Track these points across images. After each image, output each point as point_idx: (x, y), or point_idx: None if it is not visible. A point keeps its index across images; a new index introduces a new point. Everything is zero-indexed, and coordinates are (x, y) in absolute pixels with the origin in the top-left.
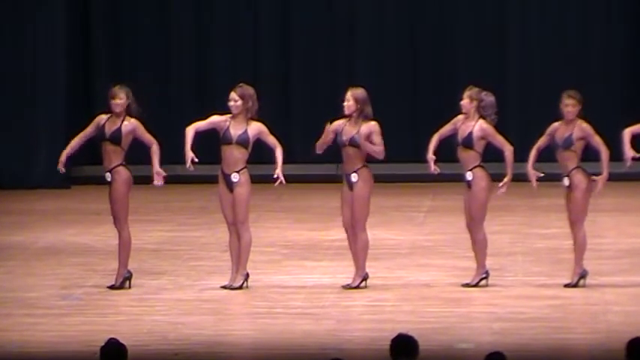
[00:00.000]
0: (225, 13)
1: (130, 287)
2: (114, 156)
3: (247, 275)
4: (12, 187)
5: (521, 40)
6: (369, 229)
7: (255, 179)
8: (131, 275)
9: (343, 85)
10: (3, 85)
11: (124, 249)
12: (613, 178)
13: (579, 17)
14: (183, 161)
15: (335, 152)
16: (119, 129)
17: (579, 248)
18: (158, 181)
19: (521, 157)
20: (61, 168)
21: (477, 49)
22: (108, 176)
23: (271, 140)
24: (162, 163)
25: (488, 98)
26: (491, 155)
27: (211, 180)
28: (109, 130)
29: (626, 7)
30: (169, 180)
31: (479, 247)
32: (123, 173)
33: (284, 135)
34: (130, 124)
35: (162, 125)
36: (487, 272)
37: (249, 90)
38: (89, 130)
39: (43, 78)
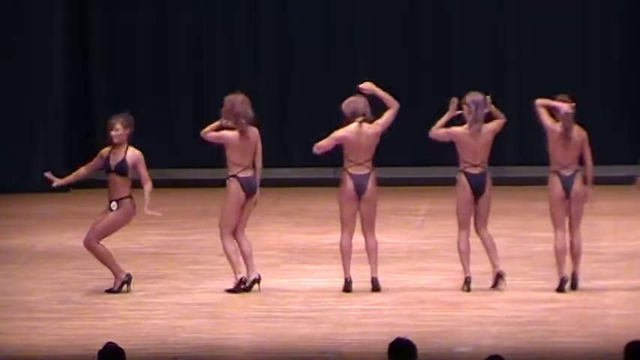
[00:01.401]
0: (223, 17)
1: (128, 291)
2: (120, 187)
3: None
4: (11, 191)
5: (519, 42)
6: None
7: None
8: (130, 279)
9: (341, 88)
10: (2, 88)
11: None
12: (611, 181)
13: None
14: (179, 165)
15: (333, 155)
16: (124, 160)
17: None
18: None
19: (518, 160)
20: (52, 179)
21: (476, 54)
22: (114, 205)
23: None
24: (159, 167)
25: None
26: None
27: (209, 184)
28: (114, 161)
29: (624, 8)
30: (167, 184)
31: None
32: (128, 206)
33: (282, 138)
34: (133, 155)
35: (161, 130)
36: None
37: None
38: (96, 162)
39: (43, 82)
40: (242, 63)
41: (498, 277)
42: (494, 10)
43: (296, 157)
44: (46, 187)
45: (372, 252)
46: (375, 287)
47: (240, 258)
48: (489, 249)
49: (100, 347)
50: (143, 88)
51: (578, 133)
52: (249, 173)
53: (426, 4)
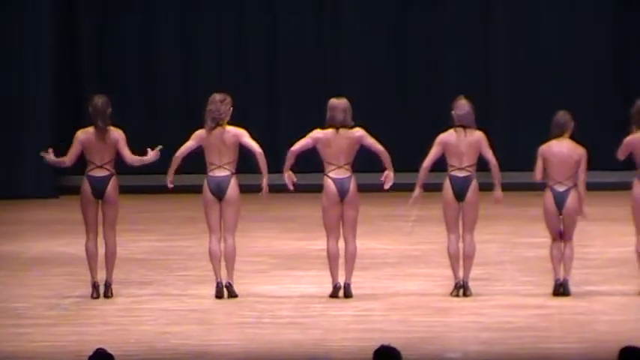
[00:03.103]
0: (213, 21)
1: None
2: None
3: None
4: (0, 197)
5: (510, 48)
6: (357, 238)
7: (243, 189)
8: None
9: (331, 93)
10: None
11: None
12: (600, 187)
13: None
14: (166, 171)
15: (320, 162)
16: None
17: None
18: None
19: (510, 166)
20: (48, 156)
21: (465, 59)
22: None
23: None
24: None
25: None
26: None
27: (198, 190)
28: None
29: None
30: (157, 190)
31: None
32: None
33: (270, 144)
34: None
35: (149, 136)
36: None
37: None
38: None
39: (31, 86)
40: (230, 69)
41: (459, 286)
42: (483, 17)
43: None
44: (36, 194)
45: (349, 258)
46: (347, 294)
47: (223, 262)
48: (466, 257)
49: (90, 353)
50: (132, 96)
51: (575, 150)
52: (220, 173)
53: (416, 9)
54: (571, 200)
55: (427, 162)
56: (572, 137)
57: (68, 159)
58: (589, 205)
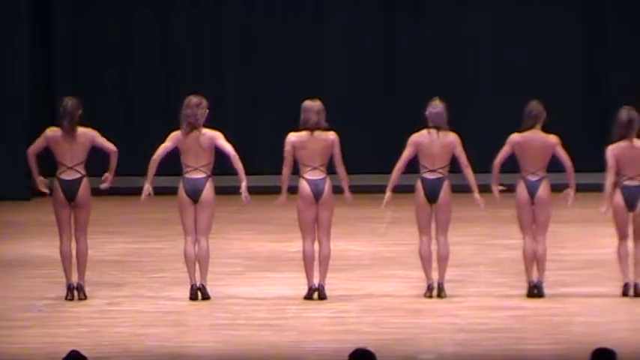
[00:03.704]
0: (190, 21)
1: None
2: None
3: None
4: None
5: (493, 50)
6: (331, 239)
7: (218, 190)
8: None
9: (308, 95)
10: None
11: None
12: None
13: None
14: (144, 173)
15: (297, 164)
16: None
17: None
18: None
19: (484, 167)
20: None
21: (445, 63)
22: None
23: None
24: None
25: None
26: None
27: (173, 191)
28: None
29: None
30: (131, 192)
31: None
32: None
33: (247, 146)
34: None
35: (125, 138)
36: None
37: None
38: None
39: (6, 88)
40: (207, 72)
41: (432, 287)
42: (465, 19)
43: (261, 165)
44: (9, 195)
45: (324, 260)
46: (322, 295)
47: (197, 265)
48: (440, 258)
49: (64, 355)
50: (107, 97)
51: (547, 140)
52: (196, 175)
53: (395, 10)
54: (543, 190)
55: (400, 163)
56: (543, 128)
57: (31, 149)
58: (564, 208)
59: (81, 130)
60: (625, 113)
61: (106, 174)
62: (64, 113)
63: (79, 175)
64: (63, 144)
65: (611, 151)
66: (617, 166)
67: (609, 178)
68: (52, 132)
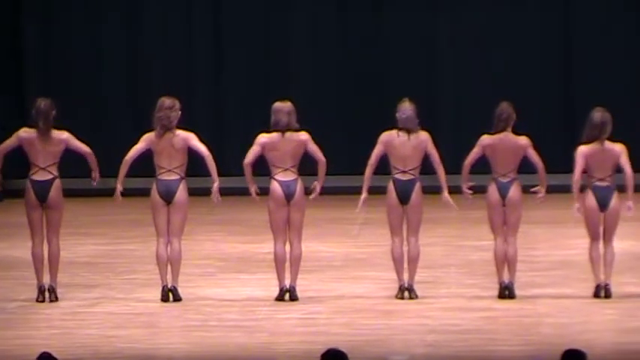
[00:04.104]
0: (159, 22)
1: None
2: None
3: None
4: None
5: (456, 52)
6: (303, 241)
7: (190, 192)
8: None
9: (278, 95)
10: None
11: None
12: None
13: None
14: (115, 175)
15: (267, 165)
16: None
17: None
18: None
19: (454, 169)
20: None
21: (411, 64)
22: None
23: None
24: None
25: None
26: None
27: (145, 193)
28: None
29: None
30: (102, 193)
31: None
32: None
33: (218, 147)
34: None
35: (96, 139)
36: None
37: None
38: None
39: None
40: (177, 72)
41: (404, 289)
42: (429, 20)
43: (232, 166)
44: None
45: (295, 261)
46: (293, 297)
47: (169, 266)
48: (410, 260)
49: (35, 357)
50: (78, 98)
51: (517, 142)
52: (169, 177)
53: (362, 12)
54: (514, 191)
55: (372, 159)
56: (513, 129)
57: (2, 147)
58: (535, 209)
59: (55, 131)
60: (598, 115)
61: (93, 174)
62: (37, 114)
63: (51, 177)
64: (36, 145)
65: (582, 151)
66: (587, 168)
67: (576, 177)
68: (26, 133)
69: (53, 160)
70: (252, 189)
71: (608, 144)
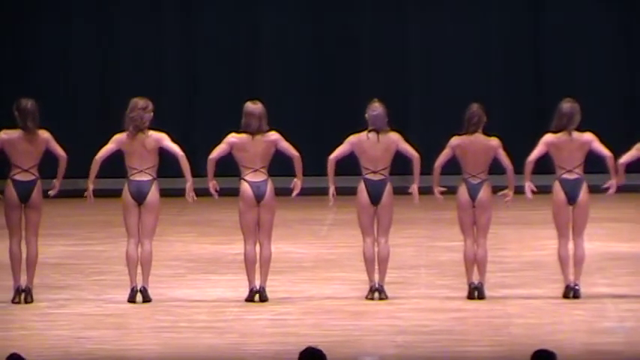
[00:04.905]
0: (130, 22)
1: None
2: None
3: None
4: None
5: (424, 52)
6: (272, 242)
7: (161, 193)
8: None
9: (248, 95)
10: None
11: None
12: (516, 191)
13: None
14: (84, 175)
15: (237, 166)
16: None
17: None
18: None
19: (425, 169)
20: None
21: (380, 64)
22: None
23: None
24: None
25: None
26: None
27: (114, 194)
28: None
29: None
30: (72, 194)
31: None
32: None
33: (189, 148)
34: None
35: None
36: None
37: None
38: None
39: None
40: (149, 74)
41: (374, 289)
42: (399, 21)
43: (202, 167)
44: None
45: (265, 262)
46: (263, 297)
47: (139, 267)
48: (381, 260)
49: (4, 358)
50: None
51: (488, 143)
52: (141, 177)
53: (332, 11)
54: (484, 193)
55: (335, 153)
56: (483, 130)
57: None
58: (505, 210)
59: (39, 131)
60: (567, 105)
61: (54, 181)
62: (25, 113)
63: (33, 177)
64: (20, 145)
65: (546, 138)
66: (555, 159)
67: (531, 157)
68: (7, 134)
69: (36, 160)
70: (211, 184)
71: (577, 134)
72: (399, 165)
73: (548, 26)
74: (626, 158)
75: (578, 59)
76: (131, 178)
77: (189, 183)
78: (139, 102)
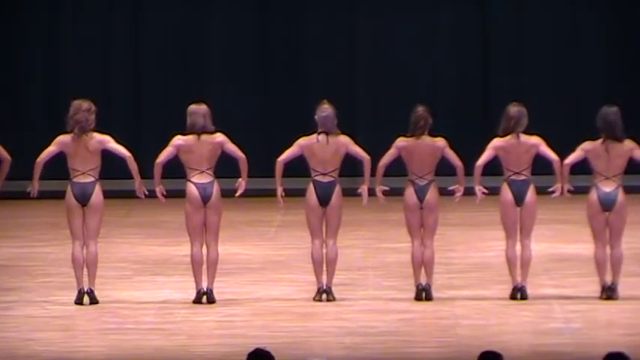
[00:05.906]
0: (77, 23)
1: None
2: None
3: None
4: None
5: (374, 50)
6: (220, 243)
7: (106, 194)
8: None
9: (194, 96)
10: None
11: None
12: (466, 192)
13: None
14: (30, 177)
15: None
16: None
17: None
18: None
19: (372, 171)
20: None
21: (329, 64)
22: None
23: None
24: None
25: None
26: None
27: (61, 196)
28: None
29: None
30: (18, 196)
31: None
32: None
33: (137, 150)
34: None
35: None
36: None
37: None
38: None
39: None
40: (94, 78)
41: (322, 291)
42: (348, 21)
43: (149, 169)
44: None
45: (212, 263)
46: (210, 299)
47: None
48: (329, 262)
49: None
50: None
51: (434, 144)
52: (84, 179)
53: (281, 13)
54: (431, 194)
55: (282, 157)
56: (429, 132)
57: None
58: (452, 212)
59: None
60: (514, 108)
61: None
62: None
63: None
64: None
65: (493, 142)
66: (503, 161)
67: (479, 162)
68: None
69: None
70: (158, 189)
71: (524, 137)
72: (349, 166)
73: (495, 26)
74: (571, 159)
75: (525, 59)
76: (74, 180)
77: (137, 181)
78: (83, 104)
